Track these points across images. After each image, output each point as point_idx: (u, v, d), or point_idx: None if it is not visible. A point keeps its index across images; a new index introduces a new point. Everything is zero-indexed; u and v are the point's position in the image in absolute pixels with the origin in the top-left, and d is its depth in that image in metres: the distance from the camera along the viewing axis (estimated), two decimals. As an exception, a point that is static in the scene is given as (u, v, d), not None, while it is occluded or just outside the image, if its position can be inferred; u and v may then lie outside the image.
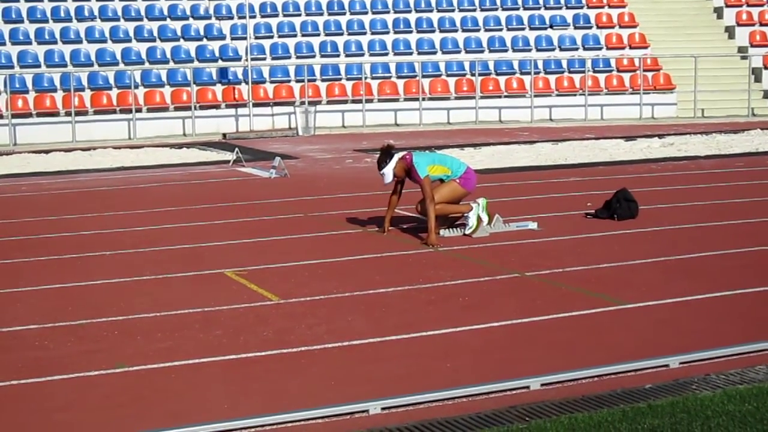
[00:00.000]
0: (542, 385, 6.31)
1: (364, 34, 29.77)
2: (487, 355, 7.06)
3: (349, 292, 8.90)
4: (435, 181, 11.33)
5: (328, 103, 28.06)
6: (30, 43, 27.19)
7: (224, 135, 26.13)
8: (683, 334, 7.43)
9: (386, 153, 11.32)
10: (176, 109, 26.74)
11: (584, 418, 5.68)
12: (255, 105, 27.11)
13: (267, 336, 7.58)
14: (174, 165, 19.98)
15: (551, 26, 30.96)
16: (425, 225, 11.08)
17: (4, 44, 26.95)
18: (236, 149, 20.21)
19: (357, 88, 28.03)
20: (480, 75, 28.67)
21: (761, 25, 32.13)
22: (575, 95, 29.18)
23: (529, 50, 30.17)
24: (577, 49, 30.49)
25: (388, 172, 11.27)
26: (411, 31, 30.13)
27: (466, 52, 29.91)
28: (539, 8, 31.30)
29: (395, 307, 8.38)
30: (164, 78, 27.23)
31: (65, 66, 26.73)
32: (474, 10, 30.92)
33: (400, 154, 11.53)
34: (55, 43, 27.34)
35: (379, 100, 28.38)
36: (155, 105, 26.59)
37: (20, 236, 12.19)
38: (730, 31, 32.08)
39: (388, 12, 30.42)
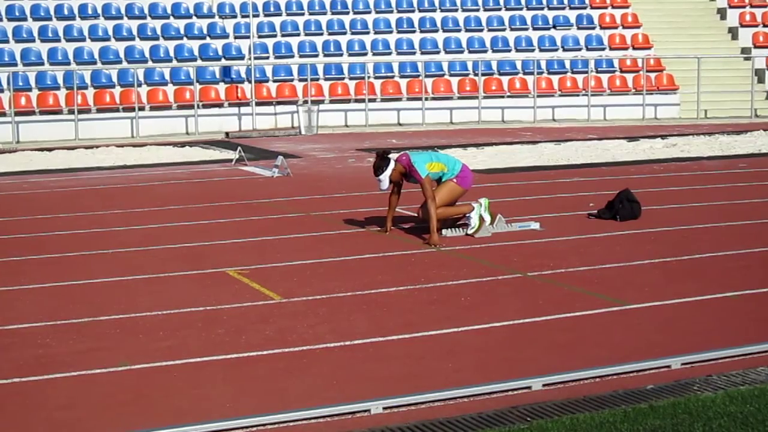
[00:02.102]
0: (544, 385, 6.31)
1: (368, 33, 29.77)
2: (489, 355, 7.06)
3: (351, 292, 8.91)
4: (432, 181, 11.31)
5: (331, 102, 28.06)
6: (33, 40, 27.20)
7: (227, 134, 26.13)
8: (685, 334, 7.43)
9: (382, 159, 11.31)
10: (179, 107, 26.74)
11: (586, 418, 5.68)
12: (258, 104, 27.10)
13: (269, 335, 7.59)
14: (176, 164, 19.98)
15: (554, 26, 30.95)
16: (427, 224, 11.08)
17: (7, 42, 26.96)
18: (239, 148, 20.22)
19: (360, 87, 28.02)
20: (483, 75, 28.65)
21: (764, 26, 32.10)
22: (578, 95, 29.15)
23: (532, 50, 30.15)
24: (580, 49, 30.47)
25: (385, 178, 11.28)
26: (414, 31, 30.12)
27: (469, 51, 29.89)
28: (542, 8, 31.28)
29: (397, 307, 8.39)
30: (167, 76, 27.23)
31: (68, 64, 26.73)
32: (477, 10, 30.91)
33: (395, 155, 11.53)
34: (59, 40, 27.35)
35: (382, 100, 28.37)
36: (158, 103, 26.58)
37: (22, 234, 12.19)
38: (733, 32, 32.06)
39: (391, 11, 30.42)
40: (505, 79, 29.05)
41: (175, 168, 19.17)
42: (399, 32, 29.96)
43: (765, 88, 30.45)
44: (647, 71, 29.31)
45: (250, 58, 27.30)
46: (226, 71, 27.70)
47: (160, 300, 8.71)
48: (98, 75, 26.66)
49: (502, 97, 28.87)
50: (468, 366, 6.79)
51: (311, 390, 6.34)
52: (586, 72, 29.11)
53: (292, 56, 28.73)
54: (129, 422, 5.83)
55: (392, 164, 11.27)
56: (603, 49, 30.59)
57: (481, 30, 30.47)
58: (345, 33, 29.60)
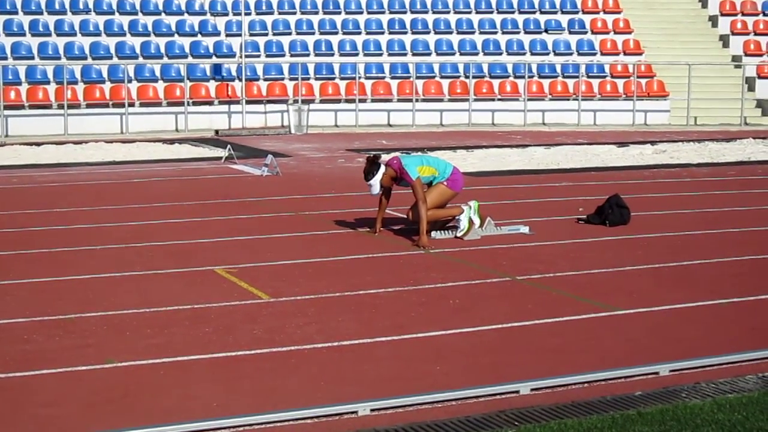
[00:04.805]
0: (532, 390, 6.29)
1: (359, 33, 29.77)
2: (477, 358, 7.03)
3: (339, 292, 8.88)
4: (423, 185, 11.29)
5: (322, 102, 28.05)
6: (24, 34, 27.11)
7: (217, 131, 26.10)
8: (674, 341, 7.42)
9: (372, 163, 11.29)
10: (169, 104, 26.71)
11: (574, 423, 5.67)
12: (248, 102, 27.07)
13: (257, 334, 7.55)
14: (166, 160, 19.94)
15: (546, 30, 30.99)
16: (417, 226, 11.07)
17: (-3, 35, 26.90)
18: (228, 146, 20.20)
19: (350, 87, 28.02)
20: (474, 77, 28.67)
21: (756, 34, 32.20)
22: (568, 100, 29.21)
23: (524, 54, 30.19)
24: (571, 53, 30.51)
25: (375, 183, 11.26)
26: (406, 32, 30.13)
27: (461, 54, 29.92)
28: (534, 12, 31.33)
29: (385, 308, 8.36)
30: (158, 73, 27.18)
31: (59, 58, 26.67)
32: (469, 13, 30.93)
33: (386, 159, 11.52)
34: (49, 35, 27.28)
35: (373, 101, 28.37)
36: (148, 100, 26.54)
37: (10, 229, 12.14)
38: (724, 40, 32.15)
39: (383, 12, 30.42)
40: (495, 82, 29.08)
41: (165, 165, 19.13)
42: (390, 33, 29.97)
43: (755, 96, 30.56)
44: (638, 77, 29.37)
45: (241, 56, 27.27)
46: (216, 69, 27.67)
47: (148, 297, 8.68)
48: (88, 70, 26.60)
49: (493, 100, 28.91)
50: (456, 369, 6.77)
51: (299, 390, 6.31)
52: (577, 76, 29.15)
53: (283, 55, 28.72)
54: (115, 420, 5.80)
55: (382, 169, 11.26)
56: (594, 54, 30.64)
57: (473, 32, 30.50)
58: (336, 33, 29.60)
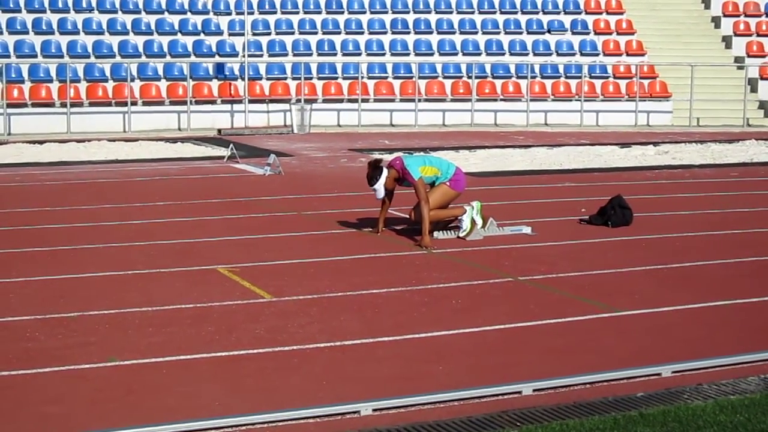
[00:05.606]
0: (534, 390, 6.30)
1: (362, 33, 29.76)
2: (480, 358, 7.04)
3: (341, 292, 8.88)
4: (426, 185, 11.30)
5: (324, 101, 28.04)
6: (27, 32, 27.11)
7: (219, 131, 26.10)
8: (676, 342, 7.43)
9: (375, 168, 11.29)
10: (172, 103, 26.71)
11: (576, 424, 5.67)
12: (251, 101, 27.06)
13: (259, 333, 7.56)
14: (168, 159, 19.94)
15: (549, 31, 30.97)
16: (419, 226, 11.07)
17: (0, 33, 26.86)
18: (231, 145, 20.20)
19: (353, 87, 28.01)
20: (476, 78, 28.65)
21: (758, 35, 32.18)
22: (571, 100, 29.18)
23: (526, 54, 30.17)
24: (574, 54, 30.50)
25: (380, 188, 11.26)
26: (408, 32, 30.11)
27: (463, 54, 29.90)
28: (537, 12, 31.31)
29: (388, 308, 8.37)
30: (161, 72, 27.18)
31: (62, 57, 26.67)
32: (472, 13, 30.92)
33: (388, 160, 11.52)
34: (52, 33, 27.27)
35: (375, 100, 28.35)
36: (151, 98, 26.54)
37: (12, 227, 12.14)
38: (727, 41, 32.13)
39: (386, 12, 30.40)
40: (498, 83, 29.07)
41: (167, 164, 19.13)
42: (393, 33, 29.96)
43: (758, 98, 30.54)
44: (640, 78, 29.35)
45: (243, 56, 27.27)
46: (219, 68, 27.67)
47: (150, 296, 8.68)
48: (91, 69, 26.61)
49: (495, 100, 28.90)
50: (458, 369, 6.77)
51: (301, 390, 6.32)
52: (580, 77, 29.14)
53: (286, 54, 28.71)
54: (117, 418, 5.80)
55: (385, 172, 11.26)
56: (597, 55, 30.63)
57: (476, 33, 30.49)
58: (339, 33, 29.59)
